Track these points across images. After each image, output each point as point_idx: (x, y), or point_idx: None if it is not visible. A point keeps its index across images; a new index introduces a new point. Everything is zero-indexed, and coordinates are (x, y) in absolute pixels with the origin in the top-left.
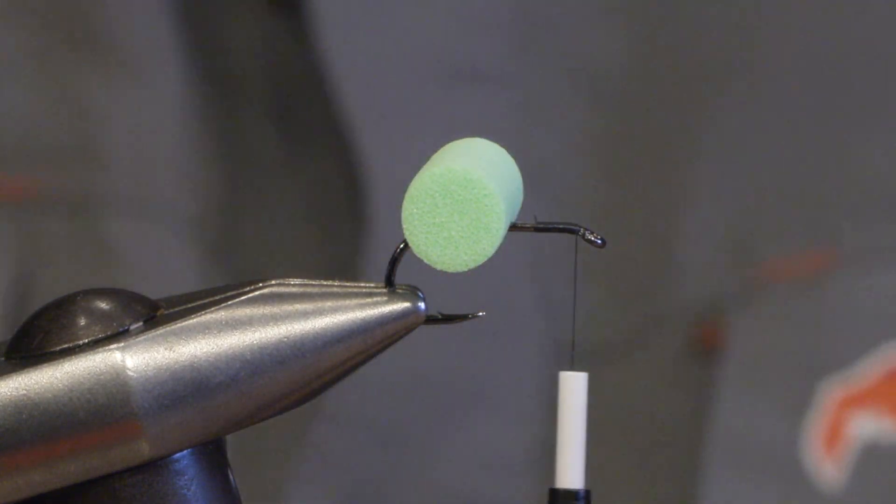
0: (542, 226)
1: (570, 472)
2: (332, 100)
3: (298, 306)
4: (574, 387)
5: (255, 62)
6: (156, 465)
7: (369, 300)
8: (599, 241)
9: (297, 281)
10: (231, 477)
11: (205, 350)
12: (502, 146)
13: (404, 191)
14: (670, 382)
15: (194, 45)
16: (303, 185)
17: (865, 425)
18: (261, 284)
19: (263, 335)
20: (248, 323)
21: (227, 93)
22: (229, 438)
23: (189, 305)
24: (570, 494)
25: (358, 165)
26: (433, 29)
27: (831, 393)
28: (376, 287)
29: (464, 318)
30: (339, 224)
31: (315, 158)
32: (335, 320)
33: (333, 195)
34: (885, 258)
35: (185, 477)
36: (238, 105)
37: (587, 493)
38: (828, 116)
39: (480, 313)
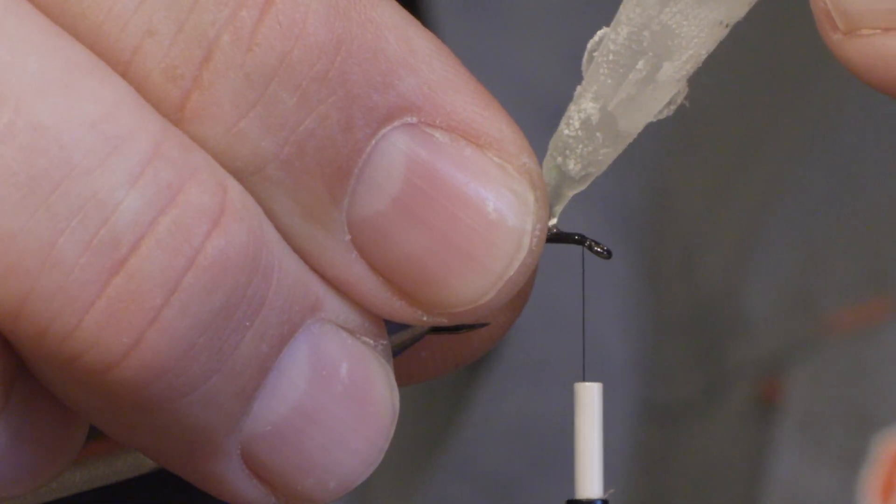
0: (550, 235)
1: (588, 483)
2: None
3: None
4: (589, 397)
5: None
6: (161, 474)
7: None
8: (605, 253)
9: None
10: None
11: None
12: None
13: None
14: (732, 438)
15: None
16: None
17: None
18: None
19: None
20: None
21: None
22: None
23: None
24: None
25: None
26: (533, 67)
27: (887, 445)
28: None
29: (470, 328)
30: None
31: None
32: None
33: None
34: None
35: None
36: None
37: (605, 502)
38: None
39: (486, 323)
